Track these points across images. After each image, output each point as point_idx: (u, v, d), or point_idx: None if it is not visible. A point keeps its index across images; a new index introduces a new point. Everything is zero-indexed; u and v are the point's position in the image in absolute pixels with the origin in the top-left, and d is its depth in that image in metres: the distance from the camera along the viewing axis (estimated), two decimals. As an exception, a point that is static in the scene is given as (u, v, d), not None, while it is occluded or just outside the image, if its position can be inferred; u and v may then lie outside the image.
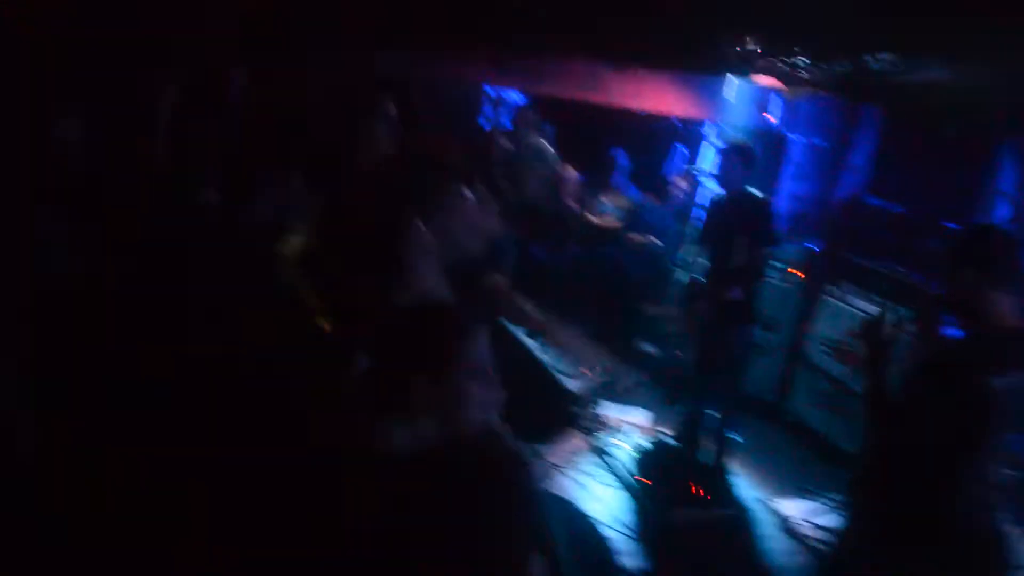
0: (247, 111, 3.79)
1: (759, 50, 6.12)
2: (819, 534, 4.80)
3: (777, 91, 6.84)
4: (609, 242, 7.22)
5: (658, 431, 5.80)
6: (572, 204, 7.19)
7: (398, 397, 1.81)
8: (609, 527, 4.66)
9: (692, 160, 7.76)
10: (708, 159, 7.37)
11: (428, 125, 5.09)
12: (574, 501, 4.84)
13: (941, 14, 4.39)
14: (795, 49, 6.04)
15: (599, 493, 5.03)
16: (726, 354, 5.30)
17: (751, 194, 5.19)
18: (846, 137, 6.99)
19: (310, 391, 2.00)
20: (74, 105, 3.30)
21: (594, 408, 5.73)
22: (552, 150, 4.47)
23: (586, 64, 6.80)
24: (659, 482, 5.07)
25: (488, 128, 6.56)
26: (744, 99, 6.94)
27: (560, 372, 5.64)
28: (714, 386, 5.45)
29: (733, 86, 6.92)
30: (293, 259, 2.58)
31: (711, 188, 6.94)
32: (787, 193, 7.11)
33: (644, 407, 6.16)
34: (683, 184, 7.24)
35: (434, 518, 1.64)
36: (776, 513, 5.06)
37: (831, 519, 4.90)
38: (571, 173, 6.95)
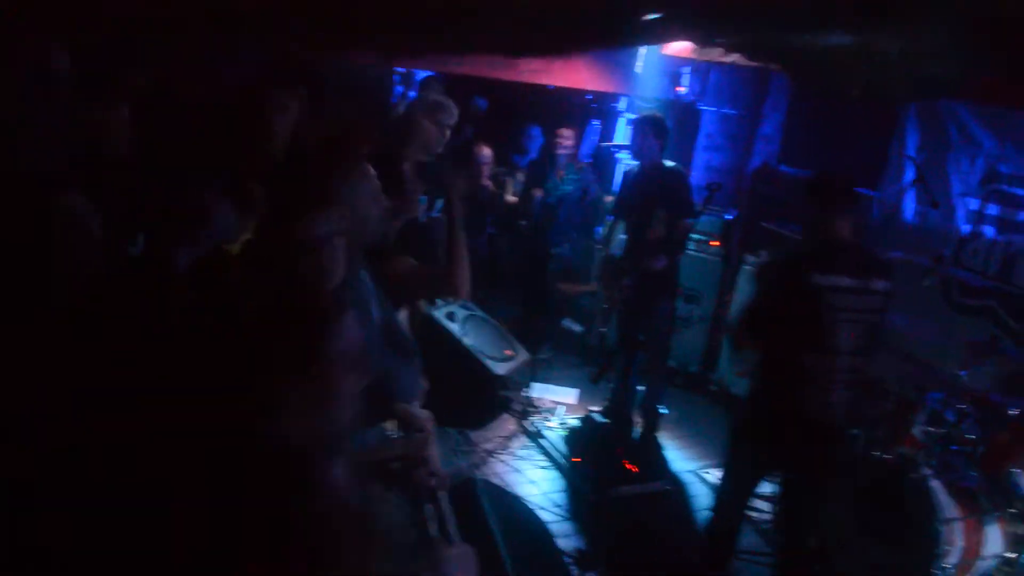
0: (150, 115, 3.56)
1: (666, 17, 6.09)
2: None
3: (688, 63, 6.85)
4: (527, 221, 7.14)
5: (588, 409, 5.76)
6: (487, 183, 7.08)
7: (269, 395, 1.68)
8: (544, 509, 4.60)
9: (606, 135, 7.74)
10: (623, 133, 7.35)
11: (338, 109, 4.92)
12: (509, 486, 4.77)
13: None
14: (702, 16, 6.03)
15: (533, 476, 4.97)
16: (650, 328, 5.29)
17: (665, 166, 5.18)
18: (757, 107, 7.06)
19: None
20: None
21: (523, 390, 5.67)
22: (452, 104, 4.40)
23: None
24: (591, 460, 5.04)
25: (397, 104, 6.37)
26: (655, 72, 6.93)
27: (486, 356, 5.56)
28: (640, 360, 5.44)
29: (643, 59, 6.90)
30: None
31: (626, 162, 6.94)
32: (701, 164, 7.17)
33: (572, 386, 6.13)
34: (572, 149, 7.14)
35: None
36: (709, 483, 5.08)
37: (764, 485, 4.95)
38: (485, 152, 6.83)
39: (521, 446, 5.29)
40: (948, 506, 3.90)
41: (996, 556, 4.00)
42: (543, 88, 7.01)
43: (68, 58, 2.87)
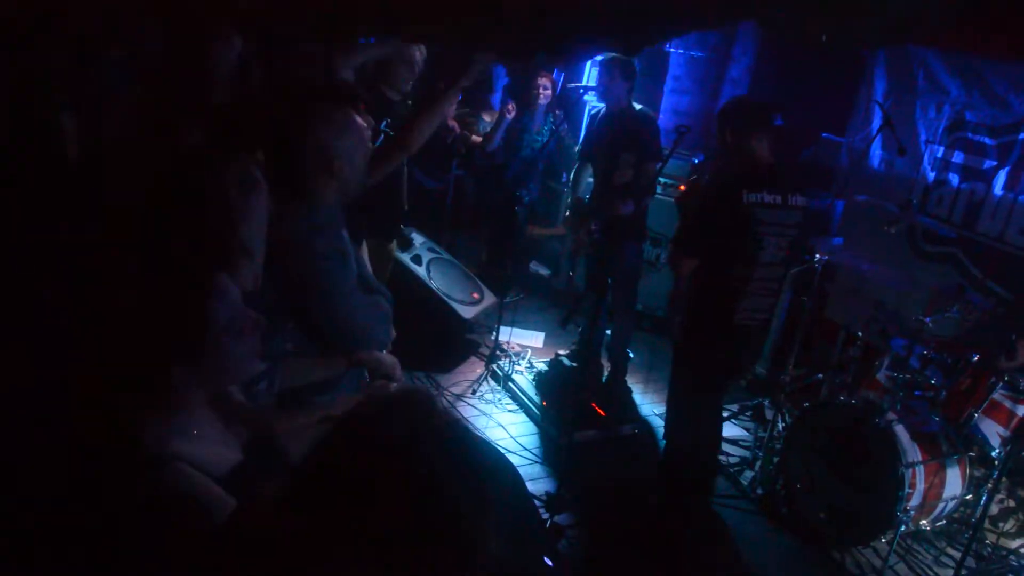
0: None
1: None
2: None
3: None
4: (486, 159, 7.03)
5: (555, 353, 5.76)
6: (452, 123, 6.94)
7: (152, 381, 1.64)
8: (513, 453, 4.61)
9: (572, 76, 7.62)
10: (590, 74, 7.23)
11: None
12: (477, 430, 4.76)
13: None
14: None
15: (501, 419, 4.97)
16: (617, 271, 5.27)
17: (633, 109, 5.10)
18: (725, 50, 6.99)
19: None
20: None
21: (490, 334, 5.64)
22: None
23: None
24: (559, 404, 5.04)
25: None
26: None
27: (453, 300, 5.52)
28: (607, 304, 5.43)
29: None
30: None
31: (593, 103, 6.84)
32: (669, 107, 7.10)
33: (540, 329, 6.12)
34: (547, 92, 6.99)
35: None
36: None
37: (728, 428, 5.02)
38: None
39: (489, 390, 5.28)
40: (911, 450, 3.98)
41: (955, 498, 4.11)
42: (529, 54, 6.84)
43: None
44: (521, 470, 4.44)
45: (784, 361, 5.01)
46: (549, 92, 6.53)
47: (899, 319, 4.56)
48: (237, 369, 1.81)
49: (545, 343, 6.00)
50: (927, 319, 4.43)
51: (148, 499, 1.53)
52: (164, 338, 1.65)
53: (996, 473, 3.88)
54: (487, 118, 7.12)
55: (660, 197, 6.34)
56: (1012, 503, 4.30)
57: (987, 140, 5.27)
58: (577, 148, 5.79)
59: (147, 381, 1.64)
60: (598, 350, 5.55)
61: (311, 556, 1.13)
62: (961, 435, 4.17)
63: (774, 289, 3.91)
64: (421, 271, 5.58)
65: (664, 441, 4.41)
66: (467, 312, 5.59)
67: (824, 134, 6.22)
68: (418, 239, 5.81)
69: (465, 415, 4.94)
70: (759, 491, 4.51)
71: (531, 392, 5.18)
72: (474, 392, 5.22)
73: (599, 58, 6.23)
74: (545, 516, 4.06)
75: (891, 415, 4.10)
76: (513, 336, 5.88)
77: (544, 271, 7.19)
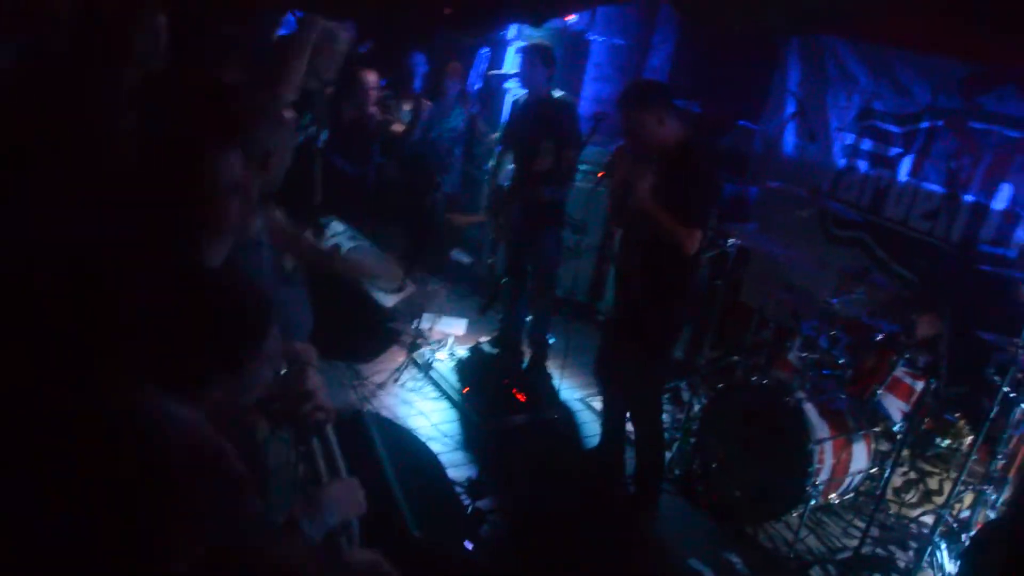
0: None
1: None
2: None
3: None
4: (414, 150, 7.00)
5: (477, 340, 5.78)
6: (373, 111, 6.88)
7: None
8: (435, 440, 4.62)
9: (494, 63, 7.62)
10: (512, 62, 7.24)
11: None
12: (398, 419, 4.76)
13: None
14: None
15: (423, 407, 4.97)
16: (537, 258, 5.31)
17: (553, 96, 5.14)
18: (646, 38, 7.07)
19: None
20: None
21: (412, 322, 5.62)
22: (345, 29, 4.22)
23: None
24: (481, 391, 5.07)
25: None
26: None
27: (373, 288, 5.48)
28: (527, 290, 5.47)
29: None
30: None
31: (515, 91, 6.86)
32: (590, 95, 7.15)
33: (461, 317, 6.12)
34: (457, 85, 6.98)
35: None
36: (596, 411, 5.20)
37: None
38: (371, 77, 6.61)
39: (411, 378, 5.27)
40: (819, 427, 4.12)
41: (861, 472, 4.27)
42: (435, 22, 6.82)
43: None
44: (442, 457, 4.44)
45: (700, 344, 5.12)
46: (457, 78, 6.53)
47: (809, 301, 4.70)
48: (255, 392, 1.83)
49: (468, 330, 6.01)
50: (835, 300, 4.57)
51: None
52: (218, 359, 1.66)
53: (898, 447, 4.04)
54: (407, 107, 7.09)
55: (580, 184, 6.40)
56: (914, 475, 4.48)
57: (893, 128, 5.46)
58: (497, 136, 5.80)
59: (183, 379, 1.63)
60: (519, 336, 5.58)
61: None
62: (866, 411, 4.32)
63: None
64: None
65: (637, 437, 4.42)
66: (388, 300, 5.55)
67: (740, 122, 6.35)
68: (338, 227, 5.74)
69: (387, 404, 4.93)
70: (676, 472, 4.60)
71: (452, 379, 5.20)
72: (396, 381, 5.21)
73: (520, 45, 6.27)
74: (467, 502, 4.08)
75: (801, 394, 4.23)
76: (435, 324, 5.88)
77: (466, 259, 7.19)
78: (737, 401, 4.41)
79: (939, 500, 4.32)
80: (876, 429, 4.33)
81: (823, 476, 4.07)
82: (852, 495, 4.38)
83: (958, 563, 3.81)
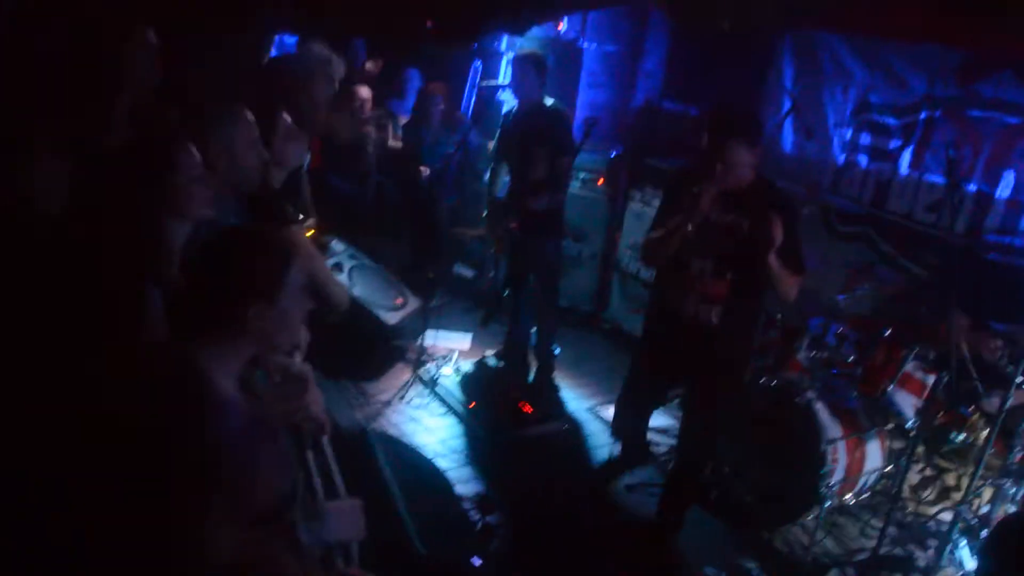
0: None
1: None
2: (648, 434, 4.94)
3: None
4: (411, 166, 6.98)
5: (482, 354, 5.74)
6: (368, 128, 6.87)
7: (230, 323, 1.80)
8: (443, 456, 4.57)
9: (487, 75, 7.61)
10: (505, 73, 7.23)
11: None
12: (405, 436, 4.71)
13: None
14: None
15: (430, 424, 4.92)
16: (537, 268, 5.27)
17: (545, 104, 5.10)
18: (638, 43, 7.04)
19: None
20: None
21: (416, 339, 5.58)
22: (339, 58, 4.21)
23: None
24: (487, 405, 5.02)
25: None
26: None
27: (376, 306, 5.46)
28: (531, 302, 5.42)
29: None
30: None
31: (509, 102, 6.84)
32: (585, 102, 7.12)
33: (466, 331, 6.08)
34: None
35: None
36: (605, 420, 5.14)
37: (657, 418, 5.04)
38: (363, 93, 6.60)
39: (417, 395, 5.22)
40: (831, 426, 4.05)
41: (877, 470, 4.20)
42: (421, 30, 6.81)
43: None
44: (450, 473, 4.41)
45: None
46: (441, 100, 6.52)
47: (815, 299, 4.64)
48: (290, 333, 1.96)
49: (473, 344, 5.96)
50: (841, 297, 4.52)
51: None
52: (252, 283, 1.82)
53: (913, 444, 3.97)
54: (402, 122, 7.08)
55: (579, 193, 6.38)
56: (930, 472, 4.41)
57: (891, 121, 5.41)
58: (492, 147, 5.77)
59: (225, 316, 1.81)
60: (524, 348, 5.53)
61: None
62: (878, 409, 4.25)
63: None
64: (343, 279, 5.49)
65: (683, 463, 4.16)
66: (391, 318, 5.52)
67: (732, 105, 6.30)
68: (339, 246, 5.72)
69: (394, 421, 4.88)
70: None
71: (459, 395, 5.15)
72: (402, 398, 5.16)
73: (512, 56, 6.24)
74: (475, 518, 4.02)
75: (811, 394, 4.16)
76: (439, 339, 5.84)
77: (468, 273, 7.15)
78: (747, 404, 4.34)
79: (957, 496, 4.24)
80: (889, 426, 4.26)
81: (837, 476, 4.00)
82: (868, 495, 4.30)
83: (976, 559, 3.73)
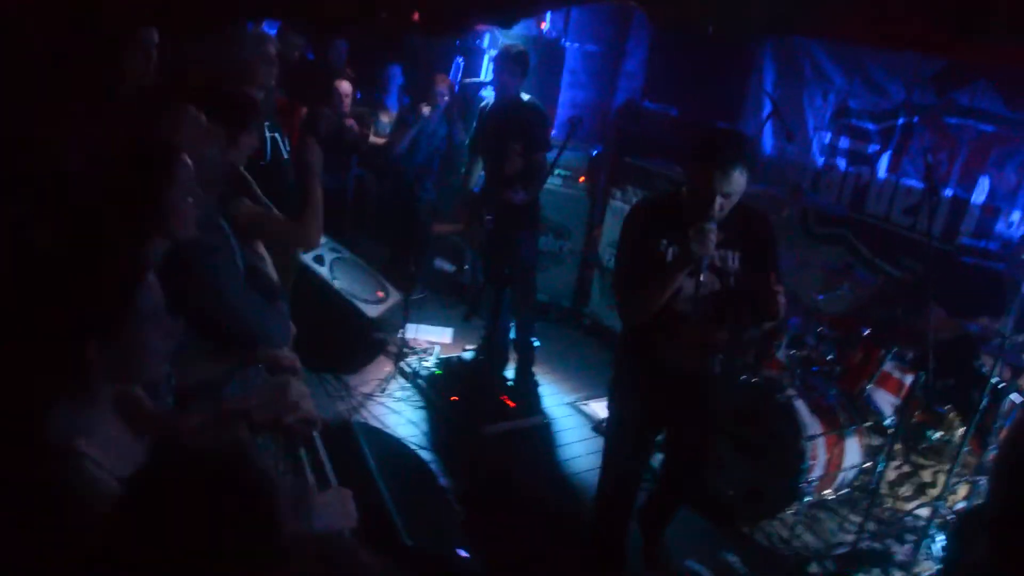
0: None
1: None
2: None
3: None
4: (392, 161, 6.96)
5: (463, 348, 5.74)
6: (350, 122, 6.85)
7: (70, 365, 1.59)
8: (425, 449, 4.57)
9: (469, 72, 7.61)
10: (488, 70, 7.25)
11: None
12: (387, 428, 4.70)
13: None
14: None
15: (412, 416, 4.92)
16: (514, 262, 5.27)
17: (521, 100, 5.12)
18: (619, 43, 7.09)
19: None
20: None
21: (397, 332, 5.58)
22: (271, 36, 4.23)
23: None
24: (468, 398, 5.03)
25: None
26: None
27: (358, 299, 5.44)
28: (509, 296, 5.43)
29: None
30: None
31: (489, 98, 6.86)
32: (566, 101, 7.16)
33: (446, 325, 6.09)
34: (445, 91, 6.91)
35: None
36: (585, 415, 5.18)
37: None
38: (344, 87, 6.58)
39: (398, 388, 5.21)
40: (811, 423, 4.11)
41: (855, 467, 4.27)
42: (404, 26, 6.79)
43: None
44: (433, 466, 4.41)
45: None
46: (447, 95, 6.51)
47: (794, 300, 4.70)
48: (151, 364, 1.76)
49: (453, 339, 5.97)
50: (820, 297, 4.59)
51: (47, 491, 1.45)
52: (85, 316, 1.59)
53: (890, 441, 4.04)
54: (384, 119, 7.05)
55: (560, 190, 6.41)
56: (907, 468, 4.49)
57: (869, 126, 5.51)
58: (468, 142, 5.78)
59: (61, 362, 1.58)
60: (504, 342, 5.54)
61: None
62: (857, 406, 4.33)
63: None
64: (324, 271, 5.46)
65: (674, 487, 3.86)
66: (373, 311, 5.50)
67: (718, 124, 6.37)
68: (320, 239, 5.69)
69: (375, 414, 4.87)
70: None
71: (440, 388, 5.15)
72: (383, 391, 5.15)
73: (494, 53, 6.26)
74: (458, 510, 4.03)
75: (791, 391, 4.22)
76: (420, 333, 5.84)
77: (448, 267, 7.15)
78: (727, 401, 4.39)
79: (934, 492, 4.33)
80: (867, 424, 4.33)
81: (817, 472, 4.06)
82: (847, 490, 4.37)
83: (942, 553, 3.81)
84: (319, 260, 5.51)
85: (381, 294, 5.70)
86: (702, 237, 2.87)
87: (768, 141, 6.02)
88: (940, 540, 3.92)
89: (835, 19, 5.41)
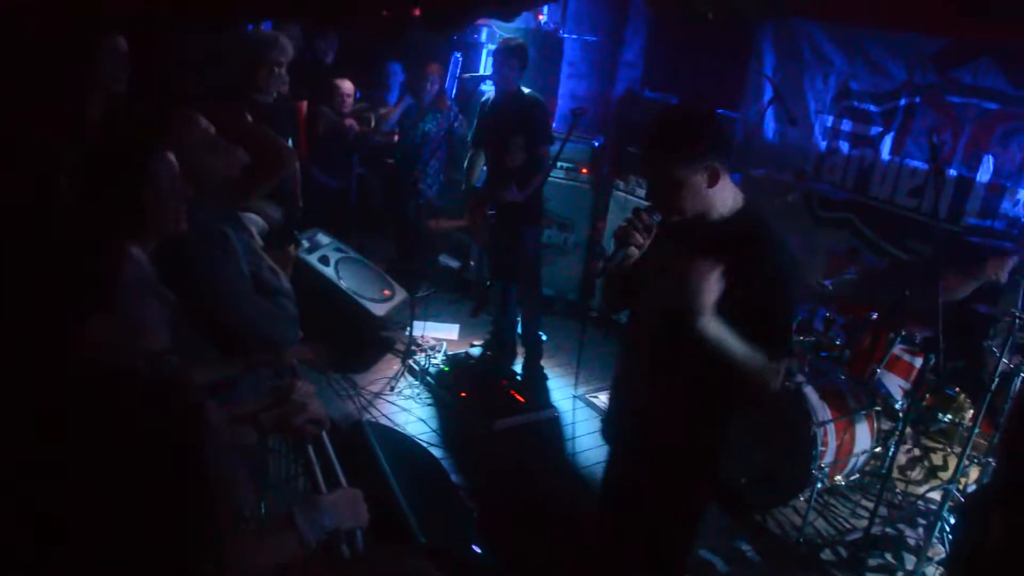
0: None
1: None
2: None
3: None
4: (393, 158, 6.96)
5: (470, 343, 5.75)
6: (351, 122, 6.85)
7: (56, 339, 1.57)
8: (435, 446, 4.58)
9: (468, 67, 7.59)
10: (486, 64, 7.23)
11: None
12: (397, 426, 4.71)
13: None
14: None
15: (421, 414, 4.92)
16: (518, 256, 5.26)
17: (522, 93, 5.11)
18: (618, 33, 7.07)
19: None
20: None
21: (404, 330, 5.58)
22: (284, 39, 4.22)
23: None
24: (477, 393, 5.03)
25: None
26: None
27: (364, 298, 5.45)
28: (516, 290, 5.43)
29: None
30: None
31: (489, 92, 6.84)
32: (566, 92, 7.14)
33: (453, 321, 6.09)
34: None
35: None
36: (594, 407, 5.18)
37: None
38: (346, 86, 6.58)
39: (407, 385, 5.22)
40: (821, 409, 4.10)
41: (866, 452, 4.26)
42: (405, 21, 6.78)
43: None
44: (444, 462, 4.41)
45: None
46: (437, 82, 6.50)
47: (801, 284, 4.69)
48: (151, 333, 1.73)
49: (460, 335, 5.97)
50: (827, 282, 4.58)
51: None
52: (81, 298, 1.60)
53: (901, 425, 4.03)
54: (384, 115, 7.04)
55: (564, 182, 6.40)
56: (918, 452, 4.48)
57: (872, 107, 5.48)
58: (469, 137, 5.78)
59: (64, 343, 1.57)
60: (511, 337, 5.55)
61: None
62: (867, 391, 4.32)
63: None
64: (330, 271, 5.48)
65: None
66: (379, 309, 5.51)
67: (719, 110, 6.34)
68: (324, 239, 5.70)
69: (385, 412, 4.88)
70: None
71: (449, 384, 5.15)
72: (392, 389, 5.16)
73: (492, 47, 6.24)
74: (471, 506, 4.04)
75: (800, 377, 4.21)
76: (427, 330, 5.84)
77: (454, 263, 7.15)
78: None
79: (944, 476, 4.32)
80: (877, 408, 4.32)
81: (828, 458, 4.06)
82: (858, 476, 4.37)
83: (951, 535, 3.80)
84: (324, 260, 5.53)
85: (387, 292, 5.71)
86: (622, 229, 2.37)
87: (770, 126, 6.00)
88: (953, 523, 3.91)
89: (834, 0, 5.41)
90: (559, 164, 5.77)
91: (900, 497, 4.36)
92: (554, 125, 5.59)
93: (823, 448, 4.02)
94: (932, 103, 5.14)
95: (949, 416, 4.29)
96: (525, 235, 5.22)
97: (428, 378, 5.24)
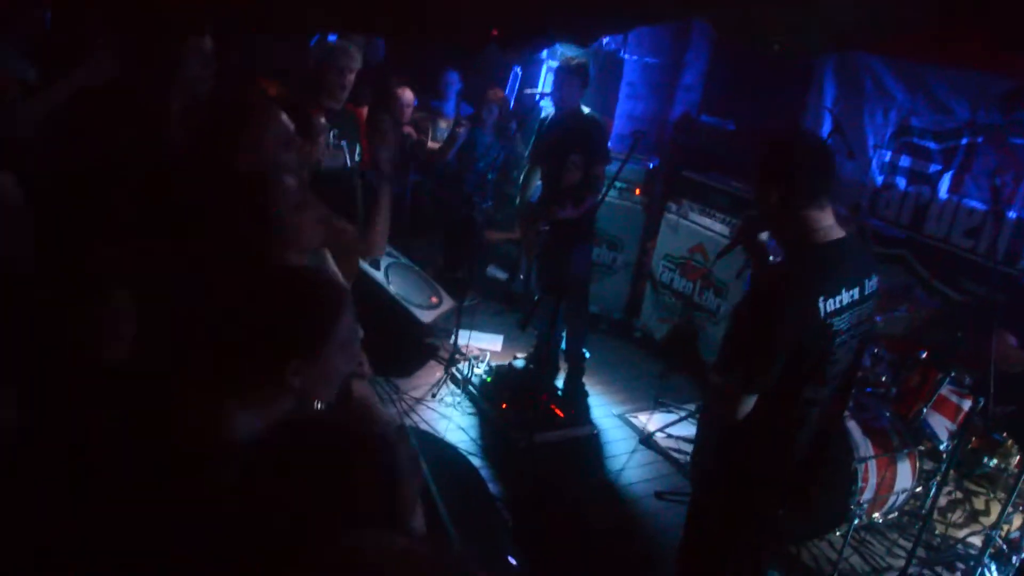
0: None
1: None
2: (675, 443, 4.98)
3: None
4: (449, 167, 7.05)
5: (514, 355, 5.79)
6: (408, 129, 6.95)
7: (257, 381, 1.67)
8: (474, 455, 4.63)
9: (527, 81, 7.68)
10: (545, 80, 7.30)
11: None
12: (437, 433, 4.77)
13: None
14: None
15: (461, 422, 4.97)
16: (567, 274, 5.30)
17: (582, 112, 5.16)
18: (678, 56, 7.08)
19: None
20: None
21: (449, 338, 5.65)
22: (353, 48, 4.28)
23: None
24: (518, 406, 5.07)
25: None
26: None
27: (411, 304, 5.53)
28: (562, 307, 5.46)
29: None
30: None
31: (548, 109, 6.90)
32: (623, 113, 7.17)
33: (498, 333, 6.14)
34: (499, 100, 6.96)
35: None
36: (633, 426, 5.19)
37: (685, 428, 5.09)
38: (407, 95, 6.68)
39: (449, 393, 5.28)
40: (863, 445, 4.08)
41: (906, 491, 4.22)
42: (484, 42, 6.86)
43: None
44: (482, 472, 4.46)
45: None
46: (497, 110, 6.57)
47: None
48: (334, 386, 1.82)
49: (504, 346, 6.02)
50: (878, 318, 4.54)
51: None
52: (296, 340, 1.68)
53: (944, 466, 3.98)
54: (443, 124, 7.15)
55: (616, 201, 6.42)
56: (959, 495, 4.41)
57: (932, 145, 5.44)
58: (527, 152, 5.84)
59: (260, 375, 1.68)
60: (555, 352, 5.58)
61: None
62: (911, 430, 4.28)
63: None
64: (379, 276, 5.57)
65: None
66: (426, 316, 5.59)
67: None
68: (376, 244, 5.79)
69: (425, 418, 4.94)
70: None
71: (490, 395, 5.20)
72: (434, 396, 5.22)
73: (555, 65, 6.29)
74: (507, 517, 4.08)
75: (844, 412, 4.19)
76: (472, 340, 5.90)
77: (501, 275, 7.21)
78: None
79: (986, 521, 4.25)
80: (921, 448, 4.28)
81: (867, 495, 4.03)
82: (896, 514, 4.32)
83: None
84: (375, 264, 5.62)
85: (435, 300, 5.79)
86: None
87: (827, 158, 5.97)
88: (993, 569, 3.86)
89: (900, 37, 5.38)
90: (613, 184, 5.81)
91: (939, 539, 4.31)
92: (609, 144, 5.62)
93: (863, 484, 3.99)
94: (995, 144, 5.08)
95: (995, 461, 4.23)
96: (576, 252, 5.26)
97: (470, 387, 5.30)
